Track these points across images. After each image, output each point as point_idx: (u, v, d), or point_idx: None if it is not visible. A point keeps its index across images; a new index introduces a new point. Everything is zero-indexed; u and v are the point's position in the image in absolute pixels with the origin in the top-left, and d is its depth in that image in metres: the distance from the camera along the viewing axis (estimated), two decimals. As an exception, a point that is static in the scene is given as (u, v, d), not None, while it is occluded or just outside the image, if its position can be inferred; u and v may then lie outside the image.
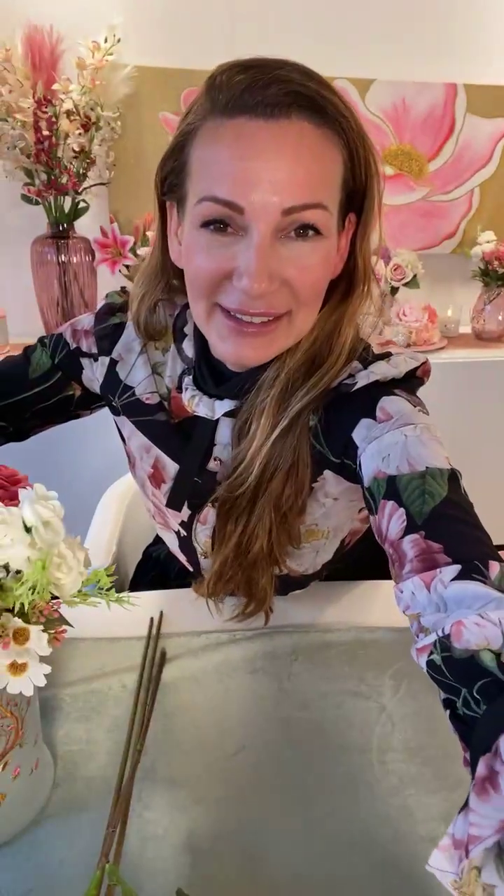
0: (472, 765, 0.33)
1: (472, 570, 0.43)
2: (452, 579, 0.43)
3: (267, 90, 0.49)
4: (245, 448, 0.62)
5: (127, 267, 1.67)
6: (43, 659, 0.43)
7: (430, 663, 0.40)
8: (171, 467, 0.70)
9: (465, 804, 0.31)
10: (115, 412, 0.74)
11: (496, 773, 0.31)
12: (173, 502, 0.71)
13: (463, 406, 1.85)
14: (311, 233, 0.53)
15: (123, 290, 0.76)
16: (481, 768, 0.32)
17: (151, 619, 0.73)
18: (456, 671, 0.38)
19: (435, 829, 0.52)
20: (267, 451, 0.60)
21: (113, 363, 0.72)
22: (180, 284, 0.64)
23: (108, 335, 0.72)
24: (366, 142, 0.55)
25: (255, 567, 0.66)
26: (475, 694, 0.36)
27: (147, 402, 0.70)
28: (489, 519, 0.50)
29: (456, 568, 0.44)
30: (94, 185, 1.62)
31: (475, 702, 0.37)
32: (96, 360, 0.73)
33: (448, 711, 0.39)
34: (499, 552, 0.45)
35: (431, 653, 0.40)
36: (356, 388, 0.59)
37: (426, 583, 0.44)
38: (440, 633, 0.40)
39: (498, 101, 1.85)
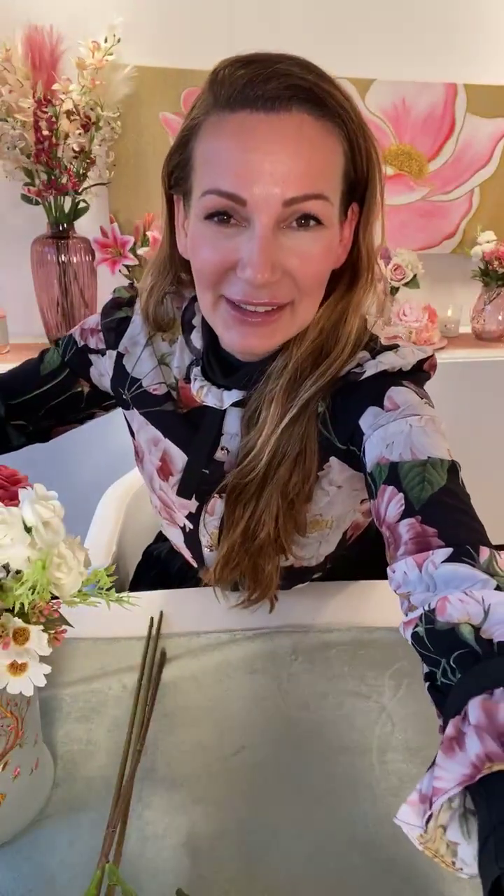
0: (444, 729, 0.35)
1: (462, 553, 0.45)
2: (443, 561, 0.45)
3: (267, 84, 0.50)
4: (254, 437, 0.63)
5: (127, 267, 1.67)
6: (43, 659, 0.43)
7: (414, 636, 0.42)
8: (178, 459, 0.71)
9: (433, 763, 0.33)
10: (126, 406, 0.76)
11: (463, 734, 0.33)
12: (183, 491, 0.71)
13: (463, 406, 1.85)
14: (312, 223, 0.54)
15: (131, 285, 0.78)
16: (450, 729, 0.34)
17: (151, 619, 0.73)
18: (437, 643, 0.40)
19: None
20: (276, 439, 0.61)
21: (120, 356, 0.73)
22: (188, 277, 0.65)
23: (113, 328, 0.74)
24: (366, 132, 0.56)
25: (262, 553, 0.67)
26: (451, 663, 0.38)
27: (155, 392, 0.71)
28: (489, 518, 0.50)
29: (447, 551, 0.45)
30: (94, 185, 1.62)
31: (451, 671, 0.38)
32: (104, 354, 0.75)
33: (428, 684, 0.41)
34: (499, 552, 0.46)
35: (416, 626, 0.42)
36: (364, 377, 0.60)
37: (418, 563, 0.46)
38: (426, 608, 0.42)
39: (498, 101, 1.85)
